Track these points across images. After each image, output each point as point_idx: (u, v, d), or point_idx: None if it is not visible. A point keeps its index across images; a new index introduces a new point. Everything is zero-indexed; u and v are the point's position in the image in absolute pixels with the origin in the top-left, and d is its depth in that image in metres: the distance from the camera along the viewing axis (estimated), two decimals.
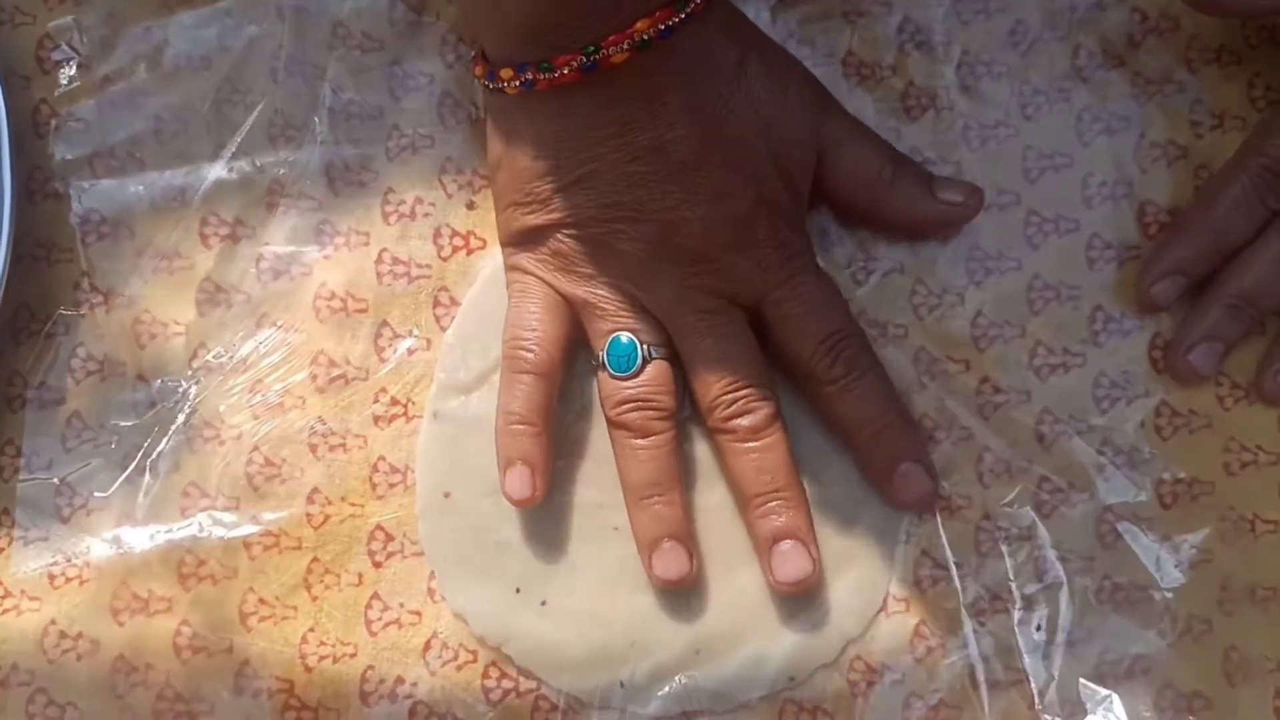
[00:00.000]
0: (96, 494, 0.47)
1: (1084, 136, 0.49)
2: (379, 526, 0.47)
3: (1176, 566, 0.46)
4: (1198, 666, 0.46)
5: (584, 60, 0.42)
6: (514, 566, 0.46)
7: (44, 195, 0.49)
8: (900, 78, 0.49)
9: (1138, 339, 0.48)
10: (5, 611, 0.47)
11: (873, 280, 0.48)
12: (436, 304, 0.48)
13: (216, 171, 0.49)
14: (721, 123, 0.44)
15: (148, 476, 0.47)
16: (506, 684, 0.46)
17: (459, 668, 0.46)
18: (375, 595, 0.47)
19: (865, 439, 0.45)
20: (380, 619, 0.47)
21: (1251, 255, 0.46)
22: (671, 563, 0.45)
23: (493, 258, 0.49)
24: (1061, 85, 0.49)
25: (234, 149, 0.49)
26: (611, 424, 0.46)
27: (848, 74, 0.49)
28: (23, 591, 0.47)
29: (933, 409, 0.47)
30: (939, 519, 0.47)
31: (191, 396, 0.48)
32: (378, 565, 0.47)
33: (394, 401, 0.48)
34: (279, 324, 0.48)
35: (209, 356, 0.48)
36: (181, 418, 0.47)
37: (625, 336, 0.45)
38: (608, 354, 0.45)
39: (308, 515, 0.47)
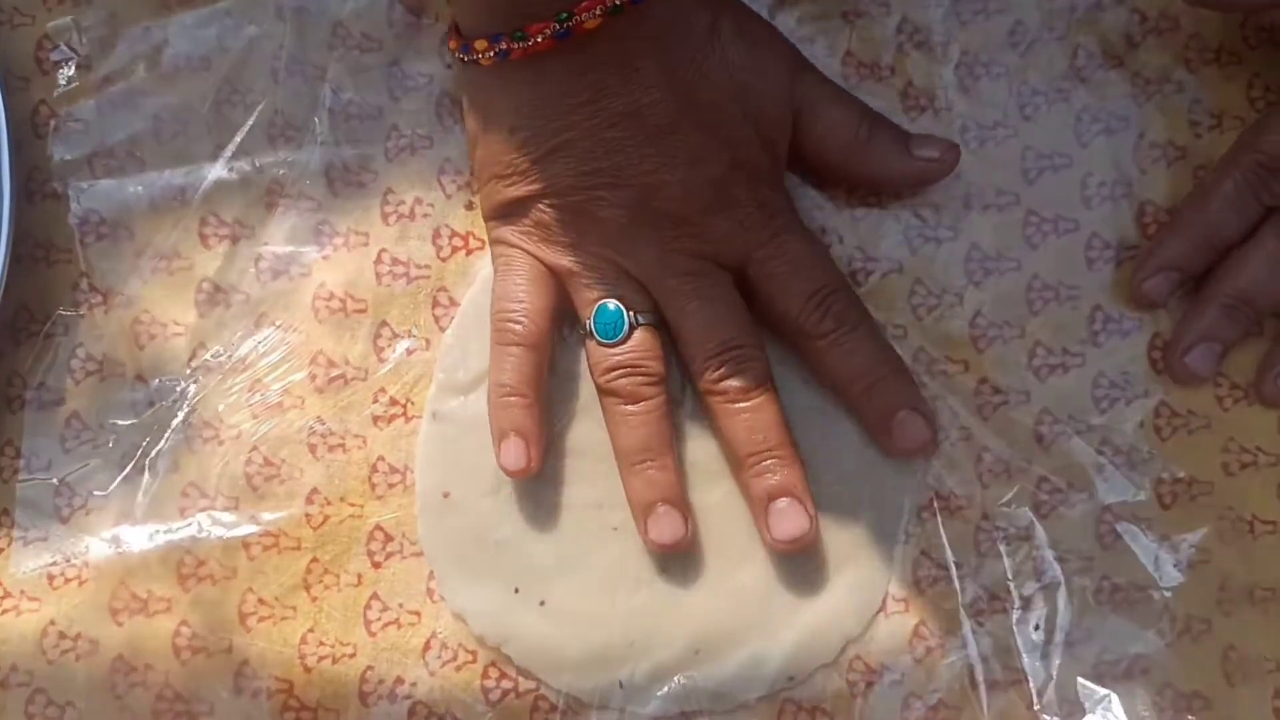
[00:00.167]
0: (95, 493, 0.47)
1: (1083, 137, 0.49)
2: (378, 527, 0.47)
3: (1175, 566, 0.46)
4: (1196, 666, 0.46)
5: (558, 27, 0.42)
6: (513, 566, 0.46)
7: (43, 196, 0.49)
8: (899, 78, 0.49)
9: (1137, 339, 0.48)
10: (5, 612, 0.47)
11: (872, 280, 0.48)
12: (435, 304, 0.48)
13: (216, 172, 0.49)
14: (695, 86, 0.44)
15: (146, 476, 0.47)
16: (506, 684, 0.46)
17: (458, 668, 0.46)
18: (374, 595, 0.47)
19: (859, 392, 0.45)
20: (379, 619, 0.47)
21: (1246, 254, 0.46)
22: (666, 527, 0.45)
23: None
24: (1060, 85, 0.49)
25: (234, 149, 0.49)
26: (601, 392, 0.46)
27: (846, 74, 0.49)
28: (22, 592, 0.47)
29: (932, 409, 0.47)
30: (939, 519, 0.47)
31: (190, 396, 0.48)
32: (377, 565, 0.47)
33: (393, 402, 0.48)
34: (278, 324, 0.48)
35: (208, 356, 0.48)
36: (180, 417, 0.48)
37: (611, 304, 0.45)
38: (594, 322, 0.45)
39: (307, 515, 0.47)
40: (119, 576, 0.47)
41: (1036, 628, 0.46)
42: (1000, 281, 0.48)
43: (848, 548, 0.46)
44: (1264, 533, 0.47)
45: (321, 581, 0.47)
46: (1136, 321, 0.48)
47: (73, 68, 0.49)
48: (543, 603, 0.46)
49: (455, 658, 0.46)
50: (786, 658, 0.45)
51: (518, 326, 0.45)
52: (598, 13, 0.42)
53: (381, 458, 0.47)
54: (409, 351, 0.48)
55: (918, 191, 0.48)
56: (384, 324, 0.48)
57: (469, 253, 0.49)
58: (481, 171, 0.47)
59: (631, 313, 0.45)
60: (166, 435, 0.47)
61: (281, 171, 0.49)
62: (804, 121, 0.47)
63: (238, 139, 0.49)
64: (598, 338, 0.45)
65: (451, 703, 0.46)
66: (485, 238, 0.49)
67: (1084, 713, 0.45)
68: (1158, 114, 0.49)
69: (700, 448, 0.47)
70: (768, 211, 0.45)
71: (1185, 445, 0.47)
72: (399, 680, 0.46)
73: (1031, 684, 0.45)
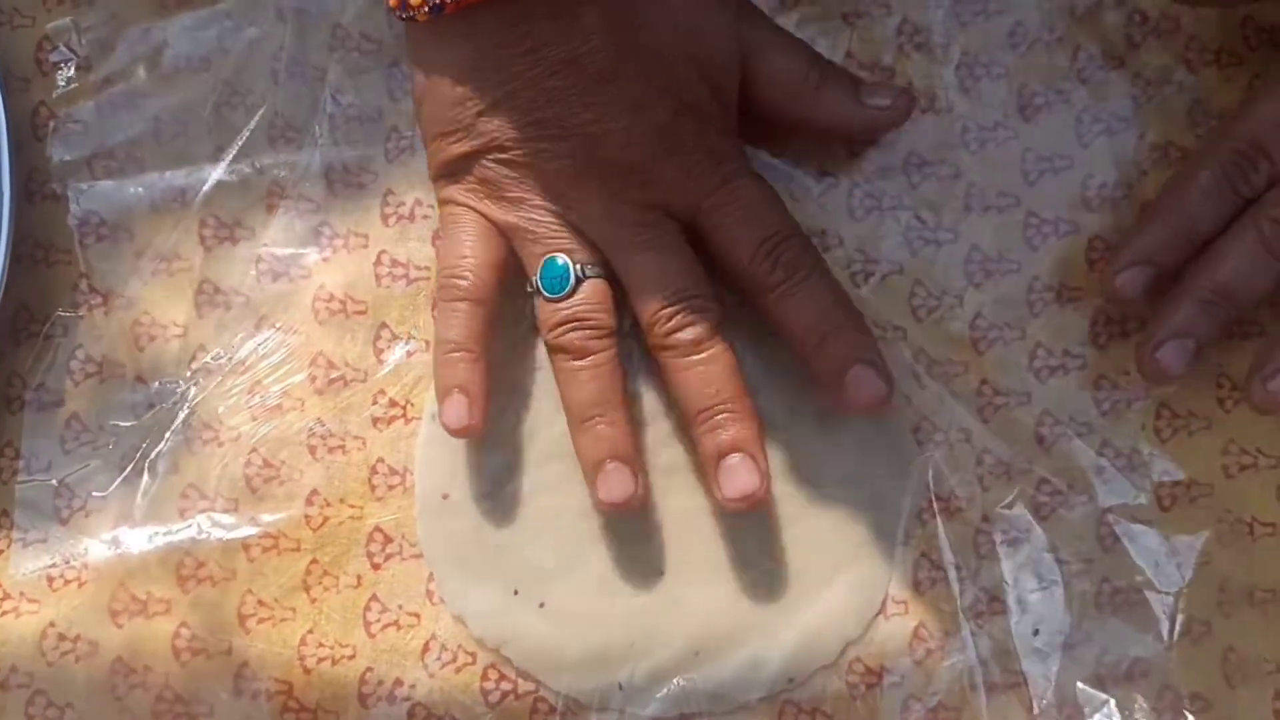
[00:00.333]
0: (95, 495, 0.47)
1: (1083, 138, 0.49)
2: (378, 528, 0.47)
3: (1175, 569, 0.46)
4: (1197, 669, 0.46)
5: None
6: (512, 568, 0.46)
7: (43, 197, 0.49)
8: (899, 79, 0.49)
9: (1137, 340, 0.48)
10: (4, 614, 0.47)
11: (872, 282, 0.48)
12: (435, 305, 0.48)
13: (216, 173, 0.49)
14: (636, 32, 0.43)
15: (146, 478, 0.47)
16: (505, 686, 0.46)
17: (458, 669, 0.46)
18: (374, 597, 0.47)
19: (811, 346, 0.44)
20: (379, 621, 0.47)
21: (1223, 247, 0.44)
22: (615, 484, 0.44)
23: None
24: (1061, 86, 0.49)
25: (235, 151, 0.49)
26: (550, 349, 0.45)
27: None
28: (22, 594, 0.47)
29: (932, 410, 0.47)
30: (939, 521, 0.47)
31: (190, 398, 0.48)
32: (376, 567, 0.47)
33: (393, 403, 0.48)
34: (278, 325, 0.48)
35: (208, 358, 0.48)
36: (180, 419, 0.48)
37: (560, 258, 0.44)
38: (541, 277, 0.45)
39: (306, 517, 0.47)
40: (118, 578, 0.47)
41: (1036, 630, 0.46)
42: (1001, 283, 0.48)
43: (847, 549, 0.46)
44: (1264, 535, 0.47)
45: (321, 583, 0.47)
46: (1137, 323, 0.48)
47: (72, 69, 0.49)
48: (542, 604, 0.46)
49: (455, 659, 0.46)
50: (786, 659, 0.45)
51: (463, 281, 0.45)
52: None
53: (381, 459, 0.47)
54: (408, 353, 0.48)
55: (870, 140, 0.48)
56: (384, 325, 0.48)
57: None
58: (428, 130, 0.46)
59: (579, 265, 0.44)
60: (166, 437, 0.47)
61: (281, 173, 0.49)
62: (752, 66, 0.46)
63: (239, 141, 0.49)
64: (544, 293, 0.44)
65: (451, 704, 0.46)
66: None
67: (1084, 716, 0.45)
68: (1158, 115, 0.49)
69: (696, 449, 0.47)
70: (716, 158, 0.45)
71: (1185, 447, 0.47)
72: (398, 682, 0.46)
73: (1031, 687, 0.45)
